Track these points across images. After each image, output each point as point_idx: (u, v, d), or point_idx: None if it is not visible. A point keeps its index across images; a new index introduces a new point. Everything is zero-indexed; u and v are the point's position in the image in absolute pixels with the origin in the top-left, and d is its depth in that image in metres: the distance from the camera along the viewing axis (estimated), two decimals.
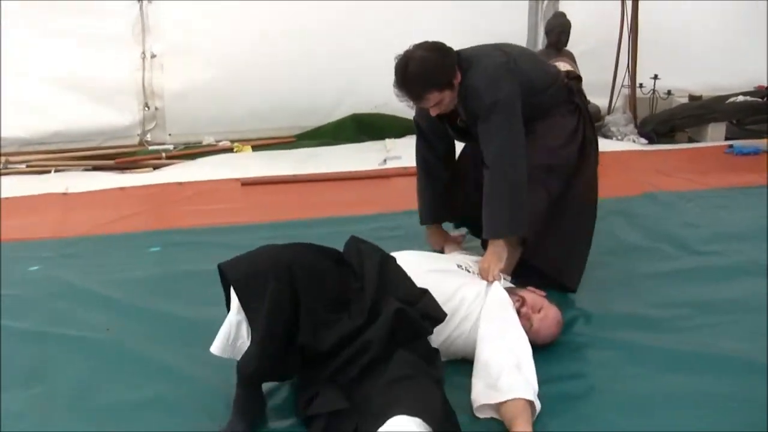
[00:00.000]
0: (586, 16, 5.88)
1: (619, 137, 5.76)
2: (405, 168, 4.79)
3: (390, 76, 5.37)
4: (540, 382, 2.48)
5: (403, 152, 5.10)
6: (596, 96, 5.93)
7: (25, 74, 5.47)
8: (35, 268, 3.59)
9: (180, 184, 4.73)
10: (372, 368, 2.36)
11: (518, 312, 2.75)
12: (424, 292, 2.59)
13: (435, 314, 2.56)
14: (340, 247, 2.74)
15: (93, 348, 2.86)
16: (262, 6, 5.46)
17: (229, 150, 5.33)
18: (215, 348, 2.45)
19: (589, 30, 5.95)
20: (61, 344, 2.87)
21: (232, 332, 2.43)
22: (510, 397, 2.38)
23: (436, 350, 2.61)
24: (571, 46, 5.82)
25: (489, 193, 3.01)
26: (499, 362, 2.50)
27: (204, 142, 5.43)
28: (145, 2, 5.37)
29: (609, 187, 4.58)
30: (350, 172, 4.85)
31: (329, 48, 5.61)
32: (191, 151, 5.28)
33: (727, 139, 5.81)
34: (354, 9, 5.63)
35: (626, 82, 5.96)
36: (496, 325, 2.65)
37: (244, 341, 2.42)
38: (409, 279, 2.63)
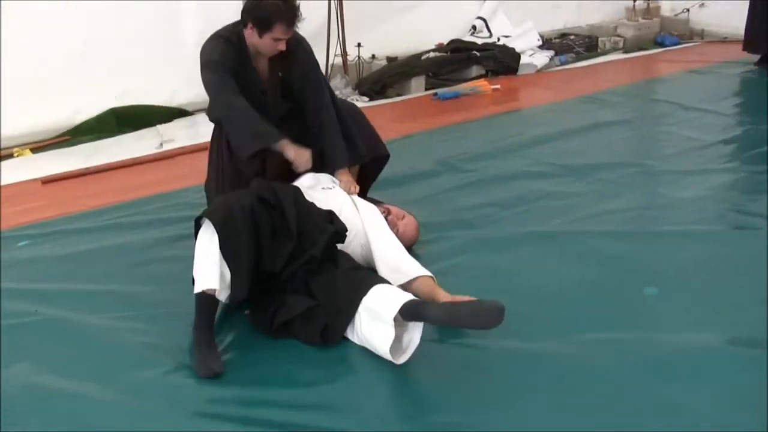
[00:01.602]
0: None
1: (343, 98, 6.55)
2: (182, 147, 5.29)
3: (122, 66, 5.61)
4: None
5: (174, 135, 5.54)
6: None
7: None
8: None
9: None
10: (316, 270, 2.96)
11: (386, 220, 3.46)
12: (330, 212, 3.20)
13: (345, 227, 3.19)
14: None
15: (39, 327, 3.01)
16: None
17: (9, 156, 5.30)
18: (210, 282, 2.78)
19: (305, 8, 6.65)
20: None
21: (219, 269, 2.80)
22: (418, 275, 3.11)
23: None
24: None
25: (333, 132, 3.73)
26: (393, 253, 3.24)
27: None
28: None
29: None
30: (139, 158, 5.17)
31: (63, 46, 5.67)
32: None
33: (427, 89, 6.87)
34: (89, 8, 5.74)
35: (338, 51, 6.75)
36: (380, 229, 3.36)
37: (224, 276, 2.81)
38: (314, 205, 3.20)
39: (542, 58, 7.68)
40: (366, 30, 6.90)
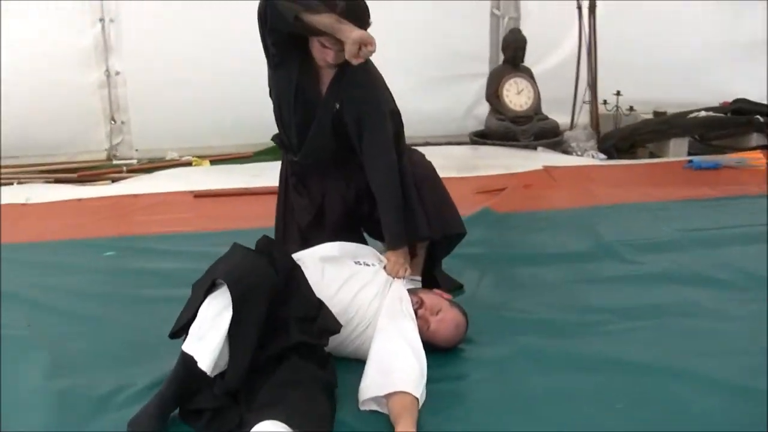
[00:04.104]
0: (546, 32, 5.93)
1: (579, 153, 5.76)
2: None
3: None
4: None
5: None
6: (556, 112, 6.00)
7: None
8: None
9: (135, 196, 4.79)
10: (261, 368, 2.41)
11: (416, 314, 2.78)
12: (321, 305, 2.60)
13: (332, 327, 2.59)
14: None
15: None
16: (223, 24, 5.53)
17: (188, 164, 5.39)
18: (204, 361, 2.33)
19: (549, 46, 6.02)
20: None
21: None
22: (397, 390, 2.41)
23: (329, 355, 2.64)
24: (532, 63, 5.87)
25: (389, 202, 3.06)
26: (392, 353, 2.57)
27: (167, 157, 5.51)
28: (107, 21, 5.50)
29: (562, 198, 4.72)
30: None
31: None
32: (150, 165, 5.38)
33: (690, 154, 5.79)
34: None
35: (587, 98, 5.97)
36: (395, 321, 2.71)
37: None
38: (309, 290, 2.62)
39: None
40: (628, 74, 6.01)
